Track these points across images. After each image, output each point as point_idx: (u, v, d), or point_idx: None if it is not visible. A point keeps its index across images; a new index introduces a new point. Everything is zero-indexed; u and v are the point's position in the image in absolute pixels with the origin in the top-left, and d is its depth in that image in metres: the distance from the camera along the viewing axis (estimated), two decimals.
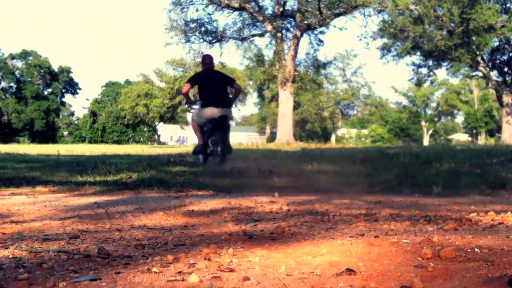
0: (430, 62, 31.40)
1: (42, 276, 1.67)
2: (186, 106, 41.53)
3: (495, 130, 53.88)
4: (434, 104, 62.31)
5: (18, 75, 63.60)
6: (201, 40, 27.62)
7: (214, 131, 6.79)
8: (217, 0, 25.84)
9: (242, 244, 2.28)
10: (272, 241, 2.32)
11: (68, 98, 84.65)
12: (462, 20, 25.80)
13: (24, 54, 64.04)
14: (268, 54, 28.22)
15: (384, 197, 4.45)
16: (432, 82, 55.82)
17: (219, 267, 1.78)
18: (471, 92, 60.46)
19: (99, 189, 5.07)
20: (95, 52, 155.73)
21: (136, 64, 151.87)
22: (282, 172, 6.58)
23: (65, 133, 68.99)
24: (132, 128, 61.16)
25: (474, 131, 57.37)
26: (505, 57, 29.52)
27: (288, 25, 27.46)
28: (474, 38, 26.72)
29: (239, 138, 54.68)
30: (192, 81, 7.28)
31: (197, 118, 7.03)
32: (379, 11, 24.67)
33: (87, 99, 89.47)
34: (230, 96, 7.40)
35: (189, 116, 50.83)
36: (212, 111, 6.76)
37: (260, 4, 26.87)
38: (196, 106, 7.11)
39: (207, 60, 7.28)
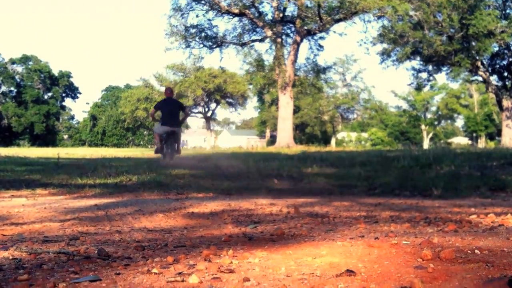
0: (430, 67, 31.38)
1: (42, 277, 1.67)
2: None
3: (495, 134, 53.84)
4: (434, 108, 62.30)
5: (18, 80, 63.63)
6: (201, 46, 27.62)
7: (168, 140, 10.01)
8: (217, 6, 25.83)
9: (242, 245, 2.28)
10: (272, 243, 2.32)
11: (68, 102, 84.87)
12: (461, 25, 25.79)
13: (24, 59, 64.10)
14: (268, 59, 28.17)
15: (384, 199, 4.45)
16: (432, 87, 55.94)
17: (219, 268, 1.78)
18: (471, 96, 60.47)
19: (99, 191, 5.07)
20: (96, 57, 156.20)
21: (136, 68, 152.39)
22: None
23: (65, 136, 69.05)
24: (132, 131, 61.17)
25: (474, 134, 57.34)
26: (504, 62, 29.50)
27: (288, 31, 27.44)
28: (473, 43, 26.69)
29: (239, 141, 54.71)
30: (157, 107, 10.66)
31: (158, 131, 10.22)
32: (379, 17, 24.63)
33: (87, 103, 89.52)
34: (181, 117, 10.72)
35: (188, 120, 52.71)
36: (166, 129, 9.97)
37: (260, 10, 26.82)
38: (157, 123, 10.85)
39: (168, 91, 10.80)
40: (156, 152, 10.65)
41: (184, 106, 11.51)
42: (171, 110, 10.12)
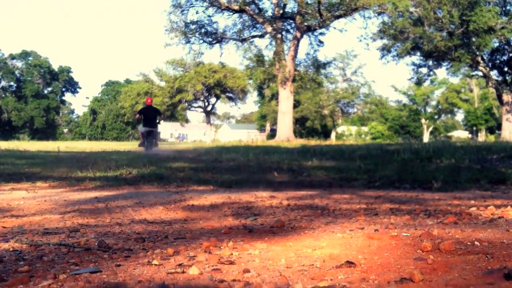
0: (430, 62, 31.24)
1: (42, 269, 1.68)
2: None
3: (495, 128, 53.77)
4: (434, 103, 62.21)
5: (18, 75, 63.55)
6: (201, 41, 27.51)
7: (148, 136, 13.77)
8: (217, 2, 25.69)
9: (242, 237, 2.28)
10: (272, 235, 2.32)
11: (68, 96, 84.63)
12: (462, 22, 25.66)
13: (24, 54, 64.00)
14: (268, 54, 28.06)
15: (384, 192, 4.44)
16: (432, 81, 55.71)
17: (219, 259, 1.78)
18: (471, 90, 60.34)
19: (99, 184, 5.07)
20: (96, 52, 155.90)
21: (136, 64, 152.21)
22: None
23: (65, 130, 69.09)
24: (132, 125, 61.18)
25: (474, 128, 57.29)
26: (505, 57, 29.39)
27: (288, 27, 27.33)
28: (474, 39, 26.56)
29: (239, 135, 54.71)
30: (140, 113, 14.50)
31: (141, 130, 14.11)
32: (379, 13, 24.50)
33: (87, 98, 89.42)
34: (158, 120, 14.33)
35: (188, 114, 54.00)
36: (146, 129, 13.74)
37: (260, 6, 26.67)
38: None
39: (148, 100, 14.84)
40: (139, 145, 14.74)
41: (160, 112, 16.10)
42: (150, 115, 13.90)
